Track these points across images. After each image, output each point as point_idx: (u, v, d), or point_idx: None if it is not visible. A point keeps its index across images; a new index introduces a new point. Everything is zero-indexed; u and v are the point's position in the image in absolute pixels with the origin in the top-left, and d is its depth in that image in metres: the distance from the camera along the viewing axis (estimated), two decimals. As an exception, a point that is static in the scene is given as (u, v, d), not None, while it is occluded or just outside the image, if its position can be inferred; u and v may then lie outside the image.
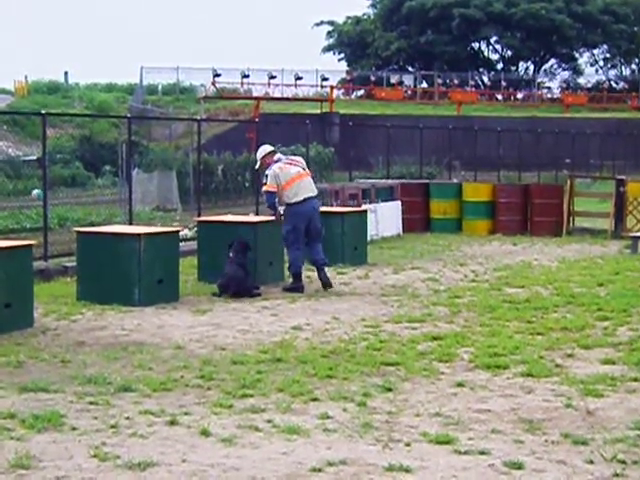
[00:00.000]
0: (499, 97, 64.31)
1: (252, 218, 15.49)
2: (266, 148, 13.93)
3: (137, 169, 28.70)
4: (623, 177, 23.64)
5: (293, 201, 13.47)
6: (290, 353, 9.19)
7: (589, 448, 6.38)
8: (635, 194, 21.54)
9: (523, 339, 9.95)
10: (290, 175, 13.55)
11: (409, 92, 61.26)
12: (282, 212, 13.57)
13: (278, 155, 13.85)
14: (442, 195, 22.53)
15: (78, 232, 12.88)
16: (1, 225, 21.12)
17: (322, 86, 57.14)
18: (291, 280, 13.62)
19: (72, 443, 6.43)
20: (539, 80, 68.63)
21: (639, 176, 31.91)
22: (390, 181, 24.15)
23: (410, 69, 69.44)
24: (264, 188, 13.50)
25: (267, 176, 13.43)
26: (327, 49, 74.51)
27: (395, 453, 6.28)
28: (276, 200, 13.44)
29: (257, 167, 14.25)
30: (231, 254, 13.01)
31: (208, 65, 53.42)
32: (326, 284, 13.49)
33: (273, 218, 13.82)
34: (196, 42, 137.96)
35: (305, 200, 13.54)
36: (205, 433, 6.65)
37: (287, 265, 13.82)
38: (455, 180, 30.30)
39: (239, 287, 12.75)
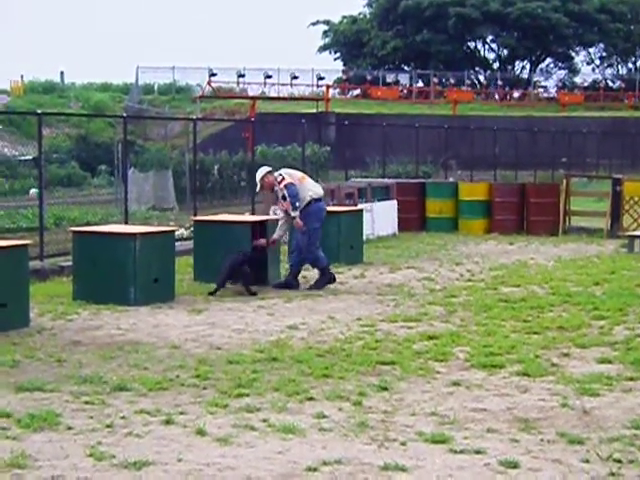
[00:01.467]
0: (495, 96, 64.28)
1: (248, 217, 15.48)
2: (264, 169, 14.03)
3: (133, 169, 28.66)
4: (619, 176, 23.59)
5: (317, 196, 13.68)
6: (286, 352, 9.19)
7: (585, 447, 6.39)
8: (631, 193, 21.54)
9: (519, 338, 9.96)
10: (299, 174, 13.94)
11: (405, 91, 61.27)
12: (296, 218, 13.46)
13: (276, 173, 13.86)
14: (438, 194, 22.52)
15: (74, 232, 12.86)
16: (-3, 225, 21.11)
17: (318, 85, 57.13)
18: (318, 276, 13.77)
19: (68, 442, 6.43)
20: (535, 79, 68.56)
21: (635, 175, 31.90)
22: (386, 180, 24.14)
23: (406, 68, 69.36)
24: (284, 182, 13.40)
25: (281, 175, 13.53)
26: (323, 48, 74.38)
27: (391, 452, 6.28)
28: (298, 195, 13.43)
29: (257, 189, 14.56)
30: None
31: (204, 64, 53.37)
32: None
33: (268, 217, 13.76)
34: (192, 42, 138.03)
35: (321, 198, 13.93)
36: (201, 432, 6.65)
37: (302, 264, 13.79)
38: (451, 179, 30.31)
39: (244, 280, 12.89)
